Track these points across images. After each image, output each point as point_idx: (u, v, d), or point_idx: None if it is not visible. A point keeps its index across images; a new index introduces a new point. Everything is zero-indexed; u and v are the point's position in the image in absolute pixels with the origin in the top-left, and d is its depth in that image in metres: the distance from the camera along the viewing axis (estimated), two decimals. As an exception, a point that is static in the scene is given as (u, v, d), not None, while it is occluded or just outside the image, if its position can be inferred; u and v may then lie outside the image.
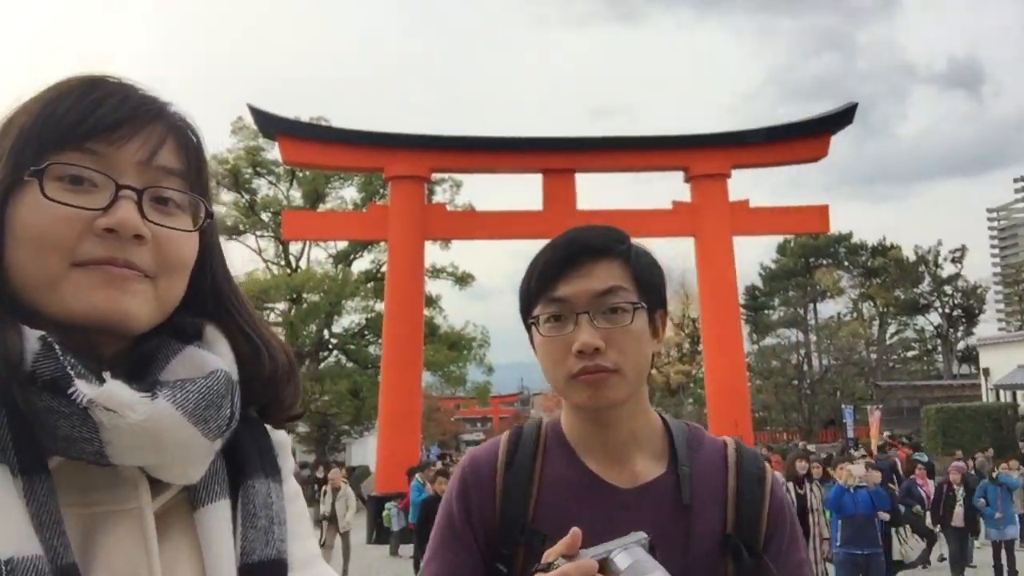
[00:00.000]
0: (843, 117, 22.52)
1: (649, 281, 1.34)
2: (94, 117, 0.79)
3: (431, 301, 31.35)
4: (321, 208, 34.73)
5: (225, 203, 35.21)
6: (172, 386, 0.79)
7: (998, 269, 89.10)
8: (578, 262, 1.30)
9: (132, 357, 0.82)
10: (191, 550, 0.81)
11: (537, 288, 1.33)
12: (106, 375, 0.75)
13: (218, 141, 35.08)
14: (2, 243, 0.78)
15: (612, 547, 1.01)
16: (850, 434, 24.38)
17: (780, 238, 46.11)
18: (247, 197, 35.49)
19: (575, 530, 1.01)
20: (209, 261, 0.91)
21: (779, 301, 50.70)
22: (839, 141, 22.74)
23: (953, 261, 47.92)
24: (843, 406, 29.43)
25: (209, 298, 0.90)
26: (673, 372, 47.81)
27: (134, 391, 0.75)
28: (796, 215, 23.01)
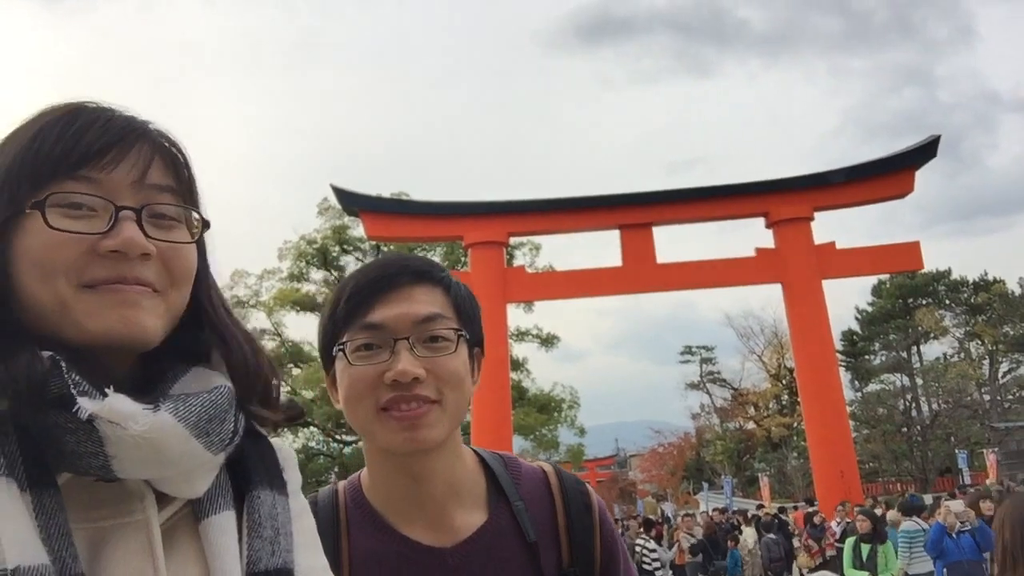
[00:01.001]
0: (926, 151, 21.87)
1: (469, 313, 1.24)
2: (82, 145, 0.81)
3: (517, 364, 31.39)
4: (406, 280, 35.41)
5: (315, 281, 36.44)
6: (175, 399, 0.80)
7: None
8: (396, 284, 1.17)
9: (141, 377, 0.85)
10: (197, 561, 0.82)
11: (346, 312, 1.18)
12: (108, 390, 0.76)
13: (306, 222, 36.29)
14: (9, 275, 0.80)
15: None
16: (966, 480, 22.96)
17: (874, 280, 44.61)
18: (335, 274, 36.58)
19: None
20: (205, 271, 0.93)
21: (879, 345, 48.67)
22: (929, 176, 22.07)
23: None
24: (957, 451, 27.81)
25: (209, 309, 0.93)
26: (774, 425, 46.21)
27: (136, 403, 0.77)
28: (886, 254, 22.25)
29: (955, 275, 48.92)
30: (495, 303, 21.88)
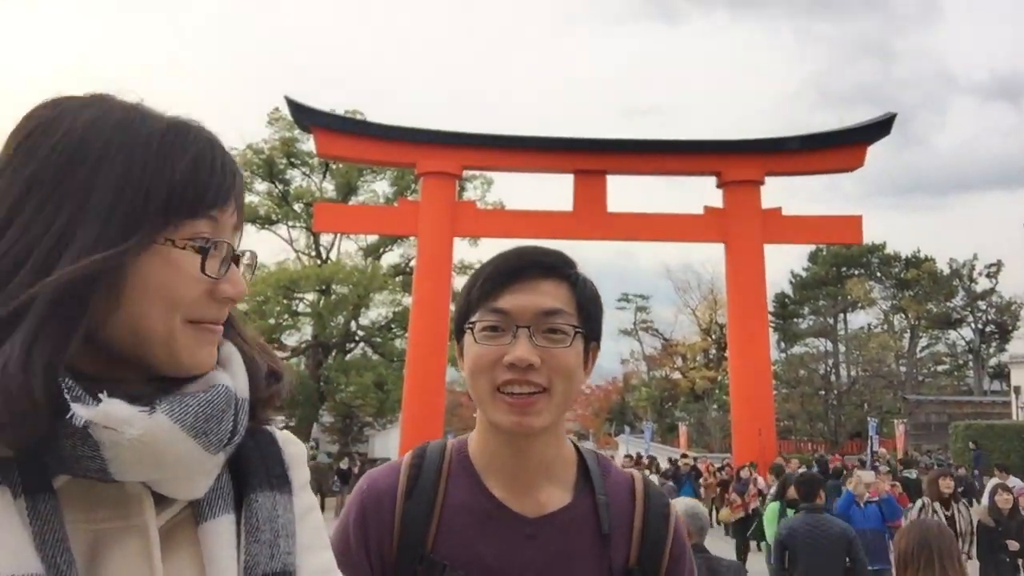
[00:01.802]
0: (881, 128, 22.29)
1: (591, 311, 1.31)
2: (214, 190, 0.83)
3: (458, 297, 31.42)
4: (353, 201, 34.99)
5: (259, 192, 35.61)
6: (172, 400, 0.80)
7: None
8: (526, 276, 1.27)
9: (150, 384, 0.84)
10: (195, 565, 0.83)
11: (479, 295, 1.28)
12: (102, 395, 0.76)
13: (254, 131, 35.31)
14: (119, 293, 0.79)
15: None
16: (875, 447, 24.10)
17: (812, 246, 45.68)
18: (280, 187, 35.86)
19: None
20: None
21: (809, 310, 50.15)
22: (876, 149, 22.48)
23: (988, 276, 47.08)
24: (869, 419, 29.13)
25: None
26: (699, 377, 47.56)
27: (132, 407, 0.76)
28: (829, 225, 22.80)
29: (889, 249, 50.42)
30: (442, 235, 21.80)
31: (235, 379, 0.87)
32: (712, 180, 22.60)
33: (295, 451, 0.98)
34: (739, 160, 21.98)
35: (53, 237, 0.76)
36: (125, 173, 0.79)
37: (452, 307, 24.82)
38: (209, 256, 0.82)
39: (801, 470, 11.48)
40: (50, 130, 0.81)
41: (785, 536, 6.60)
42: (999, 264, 47.19)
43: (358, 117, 28.56)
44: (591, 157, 21.78)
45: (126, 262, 0.78)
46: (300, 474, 0.96)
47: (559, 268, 1.29)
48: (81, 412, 0.74)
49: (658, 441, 39.68)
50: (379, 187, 36.61)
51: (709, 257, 45.14)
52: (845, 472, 15.42)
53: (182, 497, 0.83)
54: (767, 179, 22.28)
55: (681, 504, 4.87)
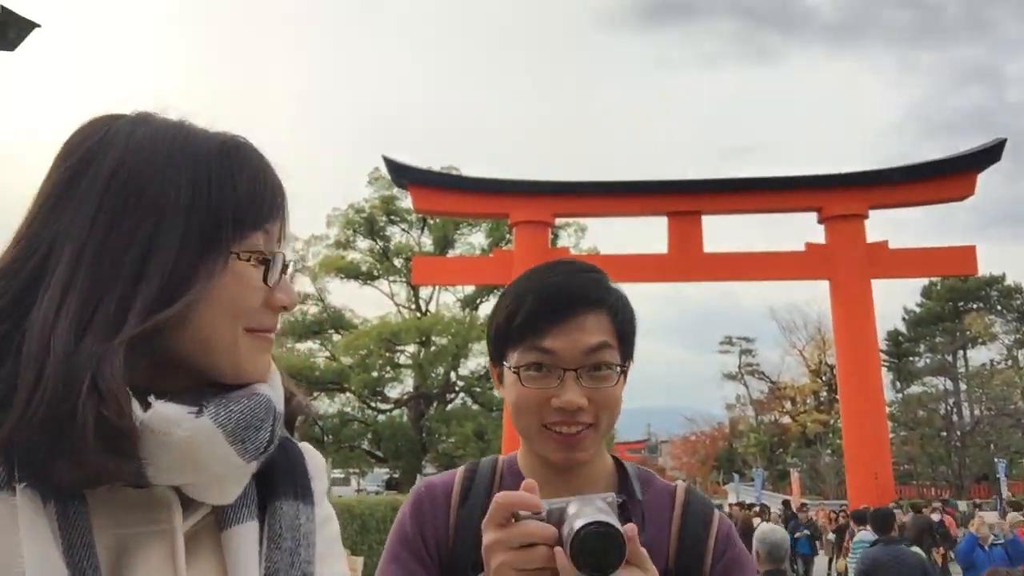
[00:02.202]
0: (991, 153, 21.30)
1: (629, 335, 1.32)
2: (269, 203, 0.87)
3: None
4: (450, 254, 35.64)
5: (361, 250, 36.78)
6: (216, 404, 0.81)
7: None
8: (569, 313, 1.26)
9: (196, 390, 0.87)
10: (218, 570, 0.84)
11: (519, 333, 1.27)
12: (151, 398, 0.78)
13: (355, 191, 36.50)
14: (193, 308, 0.82)
15: (571, 500, 1.02)
16: (1003, 490, 22.52)
17: (924, 281, 43.72)
18: (381, 244, 36.89)
19: (530, 482, 1.03)
20: None
21: (925, 347, 47.76)
22: (988, 179, 21.50)
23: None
24: (996, 460, 27.28)
25: None
26: (810, 421, 45.74)
27: (180, 408, 0.78)
28: (940, 257, 21.80)
29: (1009, 280, 47.72)
30: (538, 283, 21.90)
31: (275, 390, 0.89)
32: (813, 216, 22.01)
33: (318, 462, 1.00)
34: (840, 194, 21.36)
35: (137, 261, 0.79)
36: (194, 192, 0.82)
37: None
38: (270, 268, 0.87)
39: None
40: (108, 147, 0.83)
41: (868, 565, 6.97)
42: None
43: (453, 172, 29.26)
44: (685, 198, 21.59)
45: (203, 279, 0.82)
46: (321, 485, 0.98)
47: (601, 299, 1.29)
48: (138, 414, 0.76)
49: (769, 488, 38.21)
50: (475, 239, 37.23)
51: (814, 295, 43.71)
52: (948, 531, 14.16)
53: (213, 502, 0.84)
54: (871, 212, 21.55)
55: (760, 529, 4.92)
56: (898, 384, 45.26)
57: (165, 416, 0.77)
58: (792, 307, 71.88)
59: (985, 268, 25.20)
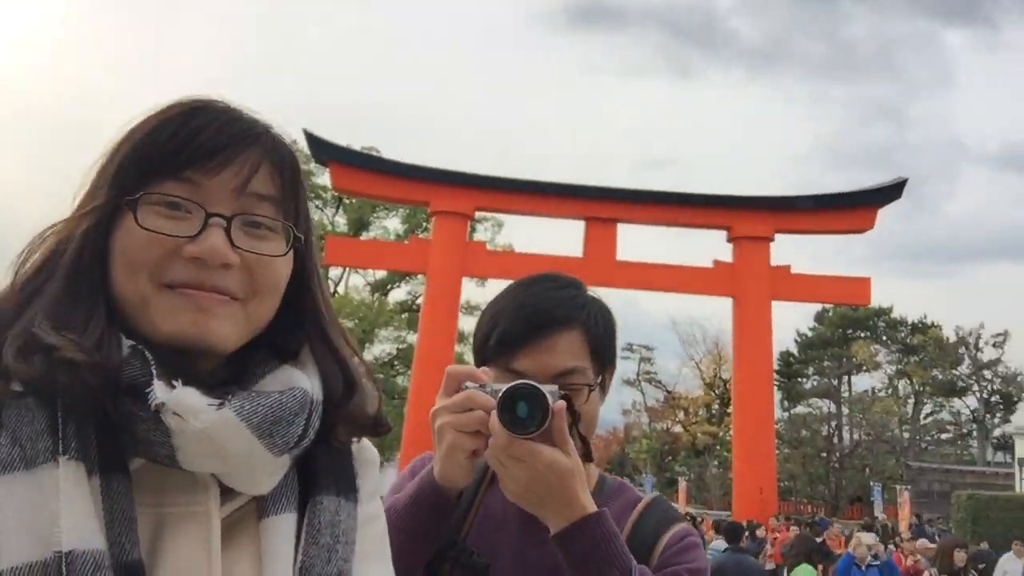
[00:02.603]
0: (892, 191, 22.41)
1: (603, 350, 1.35)
2: (192, 146, 0.82)
3: (464, 337, 31.45)
4: (364, 236, 35.19)
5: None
6: (244, 397, 0.80)
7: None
8: (539, 335, 1.30)
9: (230, 371, 0.85)
10: (252, 558, 0.83)
11: (493, 353, 1.32)
12: (177, 383, 0.77)
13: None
14: (108, 263, 0.82)
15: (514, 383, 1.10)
16: (878, 512, 23.74)
17: (818, 306, 45.60)
18: (293, 219, 36.10)
19: (486, 369, 1.13)
20: (307, 281, 0.93)
21: (813, 370, 49.86)
22: (887, 213, 22.61)
23: (994, 345, 46.86)
24: (871, 484, 28.75)
25: (308, 317, 0.93)
26: (700, 432, 47.14)
27: (203, 398, 0.77)
28: (838, 285, 22.82)
29: (896, 313, 50.28)
30: (451, 274, 21.87)
31: (312, 383, 0.87)
32: (723, 235, 22.68)
33: (368, 458, 0.98)
34: (749, 216, 22.09)
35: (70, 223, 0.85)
36: (108, 150, 0.86)
37: (457, 347, 24.81)
38: (175, 216, 0.82)
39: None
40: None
41: (715, 569, 7.83)
42: (1006, 334, 47.00)
43: (374, 153, 28.87)
44: (603, 205, 21.93)
45: (93, 228, 0.82)
46: (369, 483, 0.96)
47: (573, 317, 1.32)
48: (159, 393, 0.75)
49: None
50: (391, 224, 36.87)
51: (715, 311, 45.09)
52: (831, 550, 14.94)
53: (245, 491, 0.84)
54: (777, 236, 22.36)
55: None
56: (785, 403, 47.11)
57: (183, 403, 0.76)
58: (693, 321, 73.87)
59: (876, 300, 26.47)
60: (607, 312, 1.40)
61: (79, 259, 0.81)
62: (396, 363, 35.46)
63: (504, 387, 1.09)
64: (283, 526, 0.84)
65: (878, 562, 9.17)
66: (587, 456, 1.35)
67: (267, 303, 0.88)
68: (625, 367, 53.44)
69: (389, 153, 30.01)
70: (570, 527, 1.15)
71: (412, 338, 30.39)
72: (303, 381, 0.86)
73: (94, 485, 0.74)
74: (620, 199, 22.17)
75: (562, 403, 1.10)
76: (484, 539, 1.34)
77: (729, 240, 22.43)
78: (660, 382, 53.57)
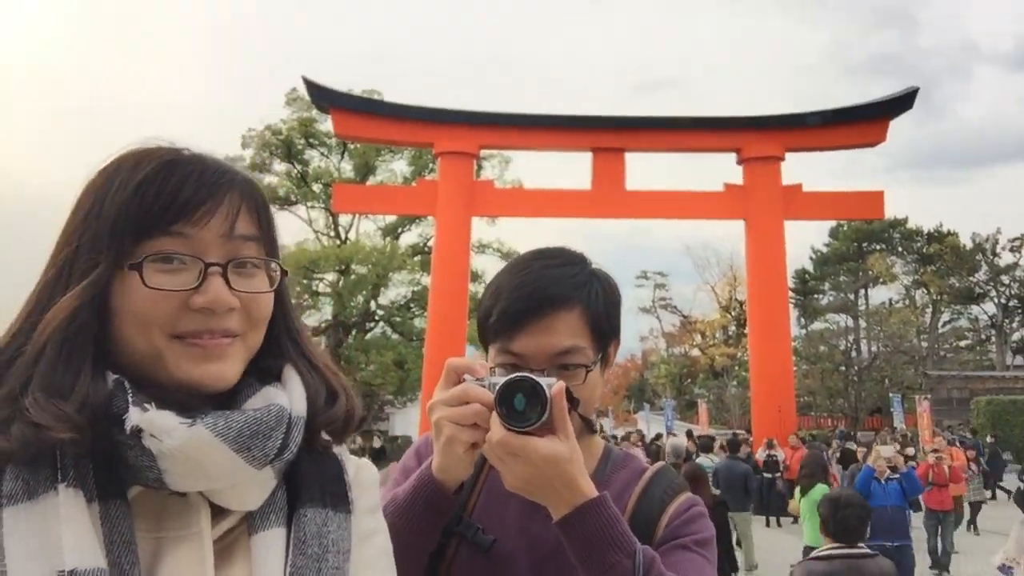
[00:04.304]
0: (903, 102, 21.99)
1: (605, 327, 1.34)
2: (178, 203, 0.87)
3: (476, 276, 31.52)
4: (371, 180, 35.02)
5: (278, 173, 35.74)
6: (217, 415, 0.85)
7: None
8: (538, 315, 1.28)
9: (217, 398, 0.90)
10: (247, 575, 0.87)
11: (493, 333, 1.32)
12: (150, 405, 0.82)
13: (272, 112, 35.32)
14: (107, 318, 0.86)
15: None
16: (897, 423, 23.94)
17: (833, 222, 45.28)
18: (299, 168, 35.94)
19: (484, 362, 1.13)
20: (283, 308, 0.99)
21: (829, 286, 49.81)
22: (898, 122, 22.21)
23: (1012, 250, 46.54)
24: (891, 394, 28.94)
25: (286, 340, 0.99)
26: (718, 354, 47.45)
27: (176, 418, 0.82)
28: (850, 200, 22.59)
29: (911, 224, 49.88)
30: (461, 215, 21.81)
31: (292, 399, 0.92)
32: (732, 157, 22.42)
33: (365, 476, 1.01)
34: (759, 136, 21.79)
35: (54, 283, 0.88)
36: (90, 211, 0.88)
37: (471, 286, 24.87)
38: (173, 269, 0.86)
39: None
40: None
41: (713, 472, 11.42)
42: (1023, 238, 46.61)
43: (375, 97, 28.54)
44: (609, 135, 21.66)
45: (101, 292, 0.85)
46: (367, 498, 1.00)
47: (571, 296, 1.31)
48: (133, 417, 0.80)
49: (678, 418, 39.71)
50: (397, 167, 36.61)
51: (728, 234, 44.85)
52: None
53: (235, 507, 0.88)
54: (788, 155, 22.08)
55: (670, 442, 6.01)
56: (802, 320, 47.23)
57: (155, 424, 0.81)
58: (706, 245, 73.53)
59: (889, 211, 26.23)
60: (610, 287, 1.38)
61: (77, 324, 0.85)
62: (412, 305, 35.64)
63: (501, 380, 1.09)
64: (272, 541, 0.88)
65: (897, 475, 9.24)
66: (590, 429, 1.36)
67: (260, 333, 0.94)
68: (641, 294, 53.63)
69: (392, 96, 29.72)
70: (571, 514, 1.15)
71: (426, 280, 30.46)
72: (281, 398, 0.91)
73: (93, 511, 0.79)
74: (626, 127, 21.88)
75: (561, 385, 1.09)
76: (489, 515, 1.35)
77: (739, 162, 22.17)
78: (676, 307, 53.78)
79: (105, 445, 0.81)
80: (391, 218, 35.91)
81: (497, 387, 1.08)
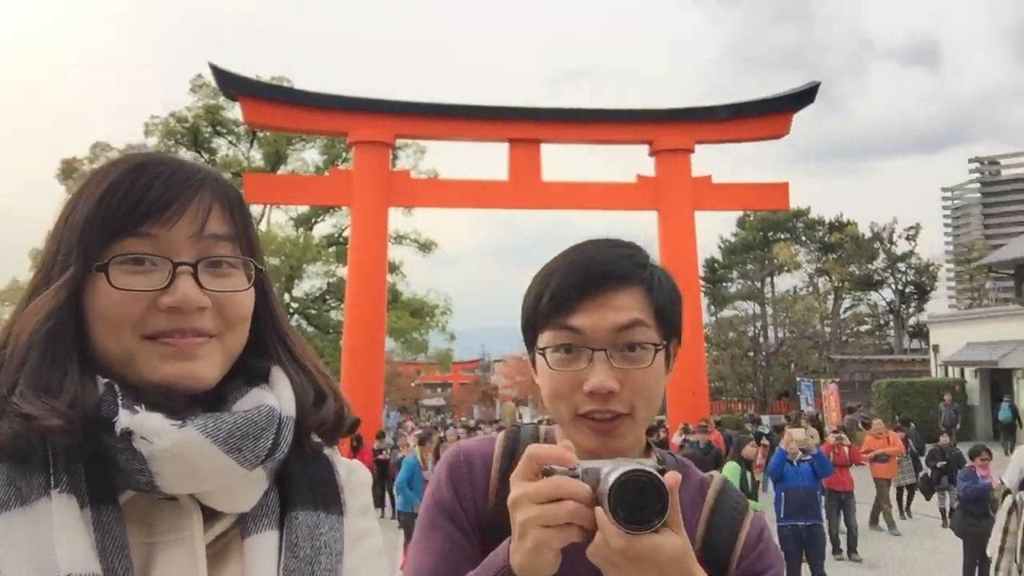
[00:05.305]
0: (805, 96, 22.75)
1: (670, 312, 1.23)
2: (145, 203, 0.87)
3: (394, 267, 31.26)
4: (282, 170, 34.28)
5: (184, 163, 34.57)
6: (207, 417, 0.85)
7: (950, 247, 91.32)
8: (598, 289, 1.17)
9: (204, 401, 0.90)
10: None
11: (547, 313, 1.19)
12: (139, 407, 0.82)
13: (177, 100, 34.13)
14: (84, 321, 0.87)
15: (608, 461, 0.96)
16: (806, 406, 24.84)
17: (740, 212, 46.63)
18: (206, 156, 34.87)
19: (568, 443, 0.99)
20: (267, 309, 0.99)
21: (737, 274, 51.35)
22: (800, 116, 23.01)
23: (907, 239, 48.94)
24: (798, 379, 30.04)
25: (274, 341, 0.99)
26: (632, 342, 48.19)
27: (165, 420, 0.82)
28: (757, 191, 23.29)
29: (813, 214, 51.85)
30: (377, 205, 21.53)
31: (281, 400, 0.92)
32: (645, 148, 22.81)
33: (356, 478, 1.02)
34: (670, 128, 22.22)
35: (33, 289, 0.90)
36: (68, 216, 0.90)
37: (389, 277, 24.56)
38: (142, 270, 0.87)
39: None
40: None
41: None
42: (917, 227, 49.10)
43: (286, 84, 27.87)
44: (525, 125, 21.73)
45: (75, 294, 0.86)
46: (359, 500, 1.00)
47: (633, 274, 1.20)
48: (123, 419, 0.81)
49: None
50: (309, 156, 35.96)
51: (641, 223, 45.79)
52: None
53: (226, 510, 0.88)
54: (697, 147, 22.59)
55: None
56: (712, 308, 48.53)
57: (145, 426, 0.81)
58: (623, 235, 74.67)
59: (793, 202, 27.17)
60: (671, 280, 1.27)
61: (56, 325, 0.85)
62: (328, 297, 35.12)
63: (601, 468, 0.94)
64: (265, 544, 0.89)
65: (809, 457, 9.59)
66: (663, 445, 1.20)
67: (239, 334, 0.93)
68: (556, 284, 53.87)
69: (304, 84, 29.08)
70: None
71: (342, 271, 30.06)
72: (270, 399, 0.91)
73: (86, 516, 0.80)
74: (542, 119, 21.98)
75: (677, 476, 0.93)
76: None
77: (651, 154, 22.57)
78: (592, 296, 54.33)
79: (96, 448, 0.82)
80: (304, 209, 35.23)
81: (609, 485, 0.91)
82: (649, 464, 0.93)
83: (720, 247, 52.31)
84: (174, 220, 0.88)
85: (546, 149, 22.08)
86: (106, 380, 0.84)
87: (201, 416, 0.85)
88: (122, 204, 0.87)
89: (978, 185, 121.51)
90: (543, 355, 1.21)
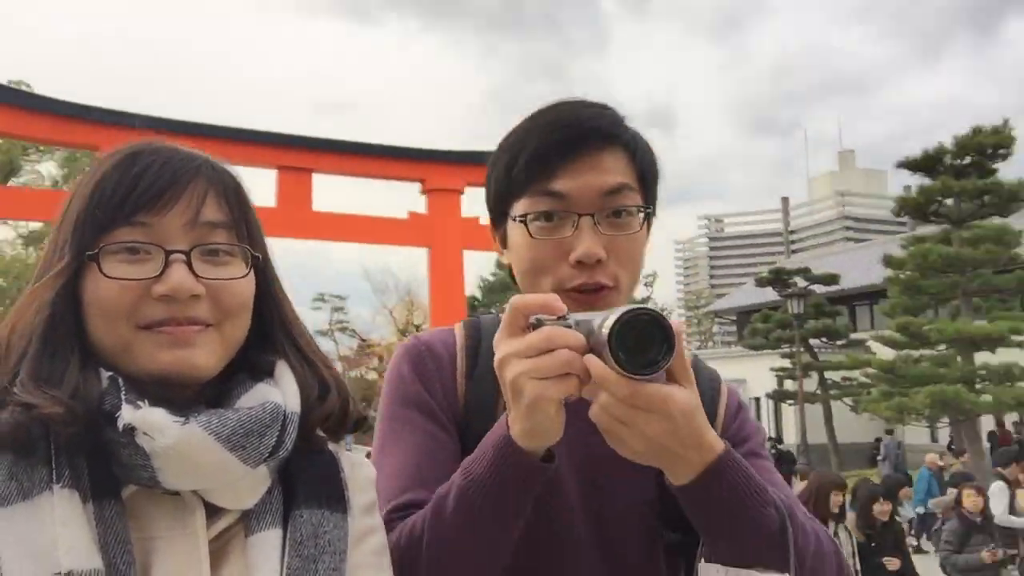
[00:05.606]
0: (568, 147, 24.32)
1: (652, 179, 1.14)
2: (137, 191, 0.86)
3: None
4: (13, 182, 30.80)
5: None
6: (211, 413, 0.84)
7: (681, 295, 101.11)
8: (582, 149, 1.06)
9: (214, 393, 0.89)
10: (243, 575, 0.85)
11: (524, 178, 1.08)
12: (143, 403, 0.81)
13: None
14: (81, 315, 0.86)
15: (599, 315, 0.85)
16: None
17: (497, 254, 48.40)
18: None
19: (554, 295, 0.90)
20: (272, 298, 0.97)
21: (495, 312, 53.14)
22: (562, 168, 24.43)
23: (646, 285, 53.41)
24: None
25: (279, 332, 0.97)
26: (392, 377, 48.11)
27: (168, 416, 0.81)
28: (521, 234, 24.42)
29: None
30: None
31: (286, 396, 0.91)
32: (417, 186, 23.18)
33: (361, 474, 0.99)
34: (441, 169, 22.77)
35: (36, 281, 0.89)
36: (67, 209, 0.90)
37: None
38: (137, 259, 0.86)
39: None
40: None
41: None
42: (655, 275, 53.79)
43: (24, 88, 25.23)
44: (297, 154, 21.28)
45: (71, 284, 0.86)
46: (363, 497, 0.98)
47: (618, 134, 1.09)
48: (126, 415, 0.80)
49: (352, 441, 39.68)
50: (45, 168, 32.61)
51: (406, 259, 46.18)
52: None
53: (229, 506, 0.87)
54: (468, 189, 23.33)
55: None
56: (472, 344, 49.78)
57: (147, 421, 0.80)
58: (385, 269, 74.92)
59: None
60: (649, 144, 1.16)
61: (52, 316, 0.84)
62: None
63: (598, 317, 0.82)
64: (269, 541, 0.88)
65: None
66: None
67: (239, 323, 0.92)
68: (317, 317, 52.87)
69: (46, 90, 26.42)
70: (703, 476, 0.90)
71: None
72: (275, 395, 0.90)
73: (88, 511, 0.78)
74: (314, 148, 21.65)
75: (680, 322, 0.83)
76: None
77: (423, 192, 22.97)
78: (354, 331, 53.86)
79: (98, 442, 0.80)
80: (36, 226, 31.81)
81: (608, 328, 0.80)
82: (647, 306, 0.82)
83: (480, 287, 53.98)
84: (167, 208, 0.87)
85: (318, 179, 21.75)
86: (109, 373, 0.83)
87: (205, 412, 0.84)
88: (115, 194, 0.86)
89: (706, 240, 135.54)
90: (523, 223, 1.09)
